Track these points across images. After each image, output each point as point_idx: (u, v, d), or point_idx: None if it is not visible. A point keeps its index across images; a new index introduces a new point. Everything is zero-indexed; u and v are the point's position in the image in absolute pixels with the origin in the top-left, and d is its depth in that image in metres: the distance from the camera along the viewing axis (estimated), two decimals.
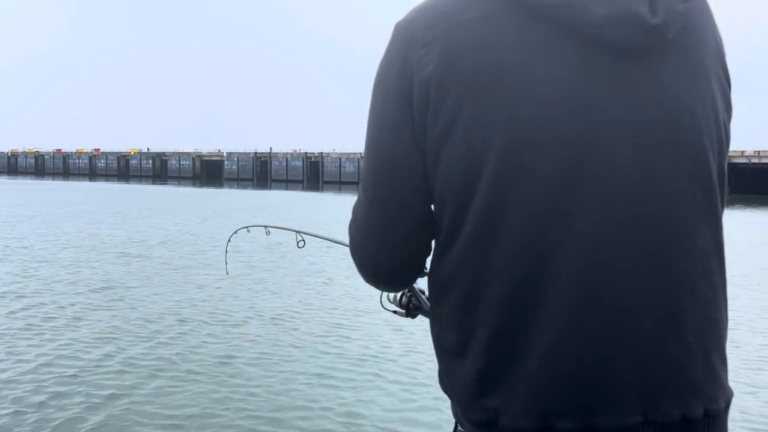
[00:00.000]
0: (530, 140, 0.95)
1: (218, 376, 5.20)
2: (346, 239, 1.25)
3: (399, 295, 1.62)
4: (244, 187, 57.52)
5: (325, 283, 9.44)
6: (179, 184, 60.50)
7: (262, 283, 9.12)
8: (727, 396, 1.02)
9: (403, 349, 6.05)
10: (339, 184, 63.32)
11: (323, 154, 70.99)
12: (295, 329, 6.72)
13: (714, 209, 1.02)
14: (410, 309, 1.61)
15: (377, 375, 5.37)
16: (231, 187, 58.09)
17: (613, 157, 0.96)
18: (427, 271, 1.14)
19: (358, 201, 1.14)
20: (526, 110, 0.95)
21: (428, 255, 1.14)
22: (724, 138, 1.04)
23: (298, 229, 2.01)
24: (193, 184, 61.43)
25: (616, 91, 0.96)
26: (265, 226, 2.28)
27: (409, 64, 1.02)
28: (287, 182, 68.83)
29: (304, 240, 1.99)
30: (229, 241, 2.54)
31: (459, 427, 1.08)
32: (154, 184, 62.42)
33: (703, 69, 1.02)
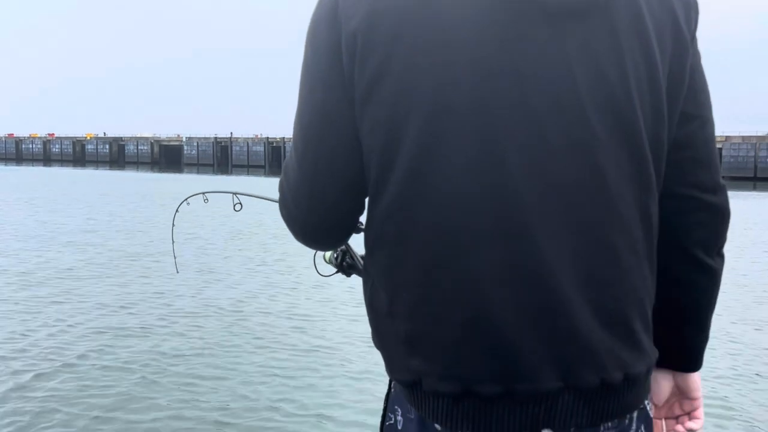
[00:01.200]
0: (454, 102, 0.94)
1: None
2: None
3: (333, 253, 1.60)
4: (204, 173, 56.74)
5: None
6: (137, 170, 59.30)
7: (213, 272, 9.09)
8: (649, 361, 1.03)
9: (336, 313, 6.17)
10: None
11: (285, 139, 70.45)
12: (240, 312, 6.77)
13: (643, 177, 1.00)
14: (344, 267, 1.60)
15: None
16: (191, 172, 57.21)
17: (540, 123, 0.94)
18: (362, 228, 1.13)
19: (289, 158, 1.10)
20: (451, 71, 0.94)
21: (361, 214, 1.12)
22: (664, 107, 1.01)
23: (234, 191, 1.96)
24: (152, 170, 60.26)
25: (546, 55, 0.94)
26: (203, 193, 2.23)
27: (337, 18, 0.99)
28: (248, 167, 68.18)
29: (241, 203, 1.96)
30: (173, 225, 2.50)
31: (392, 383, 1.10)
32: (111, 169, 61.04)
33: (643, 34, 0.98)
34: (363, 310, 1.13)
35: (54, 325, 6.12)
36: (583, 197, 0.96)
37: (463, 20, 0.94)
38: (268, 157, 70.29)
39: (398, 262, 1.00)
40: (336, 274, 1.64)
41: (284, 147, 69.38)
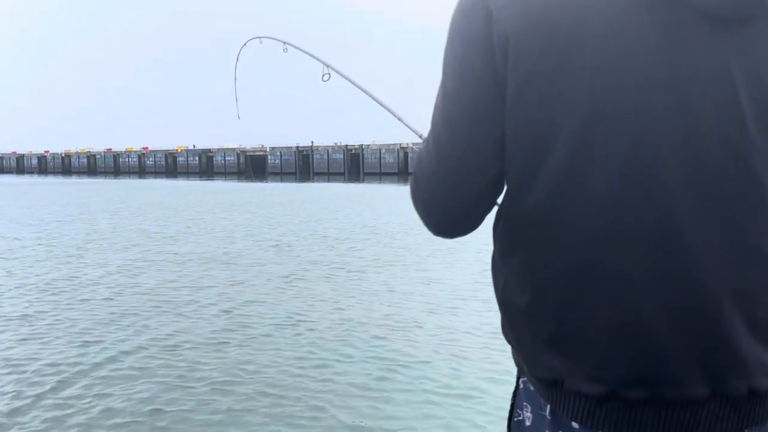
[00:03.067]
0: (609, 106, 0.92)
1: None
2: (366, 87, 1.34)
3: None
4: (288, 181, 58.56)
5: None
6: (225, 180, 61.92)
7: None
8: None
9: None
10: (379, 175, 63.88)
11: (363, 146, 71.66)
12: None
13: None
14: None
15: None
16: (275, 181, 59.23)
17: (697, 129, 0.92)
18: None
19: (426, 151, 1.08)
20: (607, 76, 0.92)
21: (491, 210, 1.12)
22: None
23: (325, 61, 2.05)
24: (239, 179, 62.79)
25: (705, 60, 0.92)
26: (284, 42, 2.37)
27: (490, 13, 0.98)
28: (329, 175, 69.67)
29: (330, 73, 2.04)
30: (238, 58, 2.68)
31: (521, 380, 1.11)
32: (201, 179, 64.09)
33: None
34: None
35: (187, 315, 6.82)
36: (738, 204, 0.95)
37: (619, 24, 0.92)
38: (347, 164, 71.70)
39: (544, 262, 0.99)
40: None
41: (362, 154, 70.54)
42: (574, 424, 0.99)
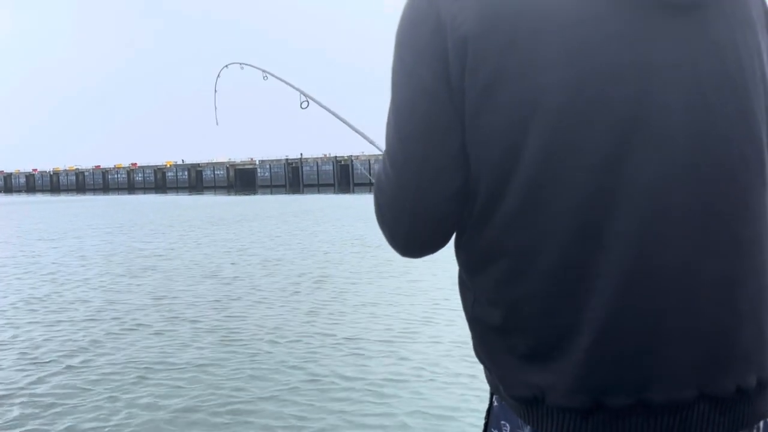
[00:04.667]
0: (580, 103, 0.89)
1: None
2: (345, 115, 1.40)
3: None
4: (278, 193, 58.66)
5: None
6: (215, 194, 61.95)
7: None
8: None
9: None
10: (369, 185, 63.55)
11: (353, 157, 71.88)
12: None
13: (763, 170, 0.96)
14: None
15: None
16: (264, 194, 59.31)
17: (667, 118, 0.90)
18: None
19: (384, 171, 1.04)
20: (574, 70, 0.89)
21: (458, 227, 1.06)
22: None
23: (303, 90, 2.14)
24: (228, 193, 62.82)
25: (667, 48, 0.91)
26: (264, 71, 2.44)
27: (441, 22, 0.94)
28: (319, 186, 69.87)
29: (308, 101, 2.08)
30: (219, 74, 2.89)
31: (495, 397, 1.06)
32: (190, 194, 64.06)
33: (749, 21, 0.97)
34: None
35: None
36: (714, 192, 0.92)
37: (580, 15, 0.90)
38: (337, 176, 71.89)
39: (518, 274, 0.94)
40: None
41: (352, 165, 70.63)
42: None
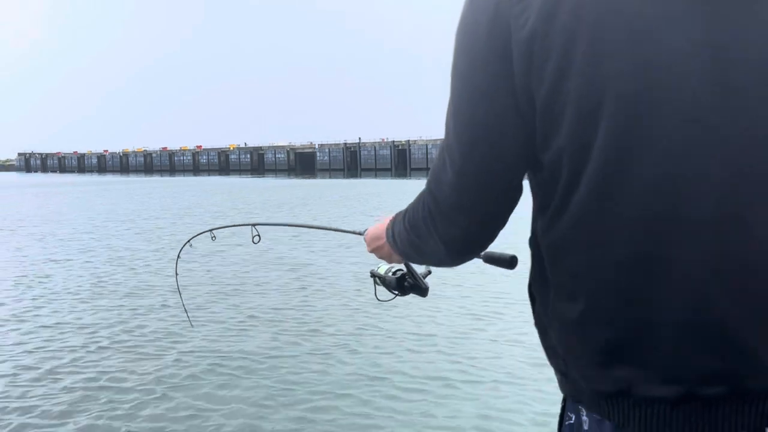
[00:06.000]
0: (652, 88, 0.87)
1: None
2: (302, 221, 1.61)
3: (388, 276, 1.62)
4: (336, 177, 59.26)
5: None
6: (276, 177, 62.95)
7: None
8: None
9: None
10: (426, 170, 63.90)
11: (410, 142, 71.93)
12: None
13: None
14: (405, 288, 1.60)
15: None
16: (323, 177, 59.98)
17: (745, 102, 0.87)
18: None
19: (442, 172, 1.04)
20: (644, 55, 0.87)
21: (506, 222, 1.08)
22: None
23: (250, 222, 1.97)
24: (288, 176, 63.79)
25: (739, 30, 0.88)
26: (211, 230, 2.28)
27: (502, 23, 0.93)
28: (376, 171, 70.11)
29: (259, 235, 1.96)
30: (178, 259, 2.63)
31: (569, 403, 1.04)
32: (252, 176, 65.46)
33: None
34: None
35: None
36: None
37: (642, 3, 0.88)
38: (394, 160, 72.14)
39: (595, 265, 0.93)
40: (394, 298, 1.64)
41: (409, 150, 70.81)
42: None
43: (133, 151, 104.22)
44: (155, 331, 6.10)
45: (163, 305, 7.13)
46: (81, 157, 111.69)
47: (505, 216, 1.07)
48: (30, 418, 4.12)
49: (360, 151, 76.17)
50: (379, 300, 1.67)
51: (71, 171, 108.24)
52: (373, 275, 1.68)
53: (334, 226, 2.10)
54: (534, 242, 1.05)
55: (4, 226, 16.45)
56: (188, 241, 2.50)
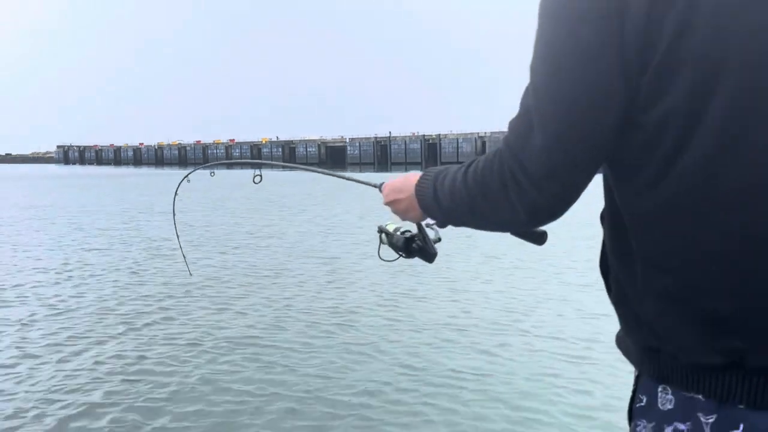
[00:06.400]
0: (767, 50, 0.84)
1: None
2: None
3: (397, 234, 1.55)
4: (366, 171, 59.47)
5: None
6: (307, 170, 63.06)
7: None
8: None
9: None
10: (457, 164, 63.84)
11: (441, 136, 71.77)
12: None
13: None
14: (413, 250, 1.53)
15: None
16: (353, 170, 60.30)
17: None
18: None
19: (530, 135, 0.96)
20: (758, 15, 0.84)
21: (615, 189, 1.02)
22: None
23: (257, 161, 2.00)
24: (324, 172, 63.81)
25: None
26: (212, 165, 2.45)
27: None
28: (406, 164, 70.15)
29: (261, 175, 2.00)
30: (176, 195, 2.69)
31: (642, 385, 1.03)
32: (283, 170, 66.01)
33: None
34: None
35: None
36: None
37: None
38: (425, 154, 72.04)
39: (700, 235, 0.90)
40: (398, 259, 1.58)
41: (440, 144, 70.62)
42: (751, 415, 0.89)
43: (168, 144, 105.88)
44: (189, 316, 6.29)
45: (199, 291, 7.36)
46: (117, 150, 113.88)
47: (586, 186, 1.01)
48: (64, 396, 4.34)
49: (390, 145, 76.21)
50: (381, 259, 1.62)
51: (107, 163, 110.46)
52: (381, 231, 1.62)
53: (352, 178, 1.97)
54: (612, 213, 1.02)
55: (44, 215, 16.98)
56: (186, 176, 2.53)
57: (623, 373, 4.57)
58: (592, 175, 1.00)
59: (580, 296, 7.03)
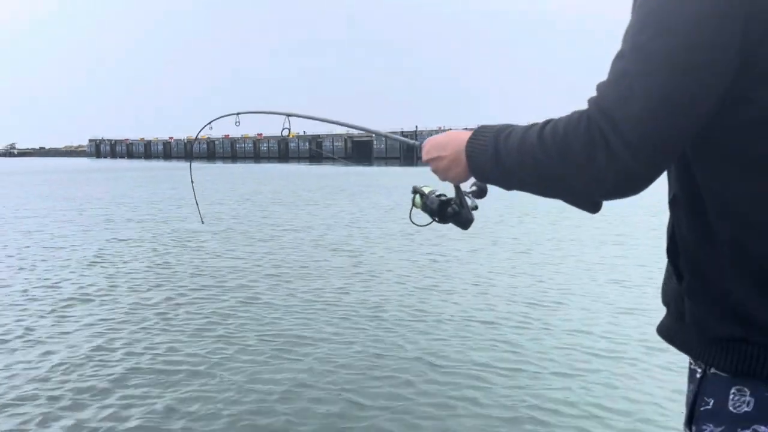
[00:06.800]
0: None
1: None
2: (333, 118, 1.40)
3: (432, 196, 1.47)
4: (392, 165, 59.49)
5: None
6: (333, 164, 63.79)
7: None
8: None
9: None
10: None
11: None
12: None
13: None
14: (447, 215, 1.43)
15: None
16: (379, 165, 60.34)
17: None
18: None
19: (631, 99, 0.91)
20: None
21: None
22: None
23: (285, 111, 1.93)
24: (345, 164, 64.42)
25: None
26: (237, 113, 2.29)
27: None
28: None
29: (290, 128, 1.96)
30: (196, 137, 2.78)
31: (710, 386, 0.98)
32: (310, 164, 66.50)
33: None
34: None
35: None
36: None
37: None
38: None
39: None
40: (430, 224, 1.51)
41: None
42: None
43: (197, 139, 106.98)
44: (213, 307, 6.38)
45: (233, 282, 7.45)
46: (147, 144, 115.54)
47: (670, 164, 0.98)
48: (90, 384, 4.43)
49: (417, 139, 75.80)
50: (413, 224, 1.53)
51: (138, 157, 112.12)
52: (416, 192, 1.52)
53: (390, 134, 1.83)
54: (691, 195, 0.98)
55: (75, 206, 17.34)
56: (209, 122, 2.49)
57: (654, 369, 4.53)
58: (680, 151, 0.95)
59: (609, 292, 6.97)
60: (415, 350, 5.15)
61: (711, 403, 0.96)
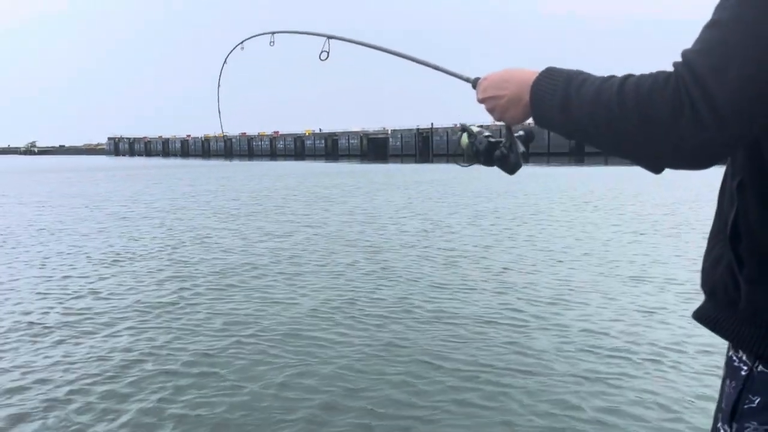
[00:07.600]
0: None
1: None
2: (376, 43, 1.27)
3: (480, 137, 1.40)
4: (408, 162, 59.37)
5: None
6: (349, 162, 63.85)
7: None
8: None
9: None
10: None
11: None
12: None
13: None
14: (494, 158, 1.37)
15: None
16: (395, 162, 60.23)
17: None
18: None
19: (728, 67, 0.89)
20: None
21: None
22: None
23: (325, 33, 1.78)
24: (360, 162, 64.54)
25: None
26: (272, 33, 2.14)
27: None
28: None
29: (328, 51, 1.78)
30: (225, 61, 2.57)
31: (757, 383, 0.96)
32: (326, 162, 66.60)
33: None
34: None
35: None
36: None
37: None
38: None
39: None
40: (473, 165, 1.44)
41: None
42: None
43: (214, 136, 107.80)
44: (236, 303, 6.41)
45: (252, 276, 7.49)
46: (165, 142, 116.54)
47: (746, 141, 0.97)
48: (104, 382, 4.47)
49: (432, 137, 75.84)
50: (458, 164, 1.49)
51: (156, 155, 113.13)
52: (464, 130, 1.45)
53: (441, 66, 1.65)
54: (761, 179, 0.97)
55: (93, 205, 17.51)
56: (241, 42, 2.38)
57: (669, 370, 4.49)
58: (757, 132, 0.93)
59: (629, 290, 6.90)
60: (424, 350, 5.13)
61: (756, 402, 0.94)
